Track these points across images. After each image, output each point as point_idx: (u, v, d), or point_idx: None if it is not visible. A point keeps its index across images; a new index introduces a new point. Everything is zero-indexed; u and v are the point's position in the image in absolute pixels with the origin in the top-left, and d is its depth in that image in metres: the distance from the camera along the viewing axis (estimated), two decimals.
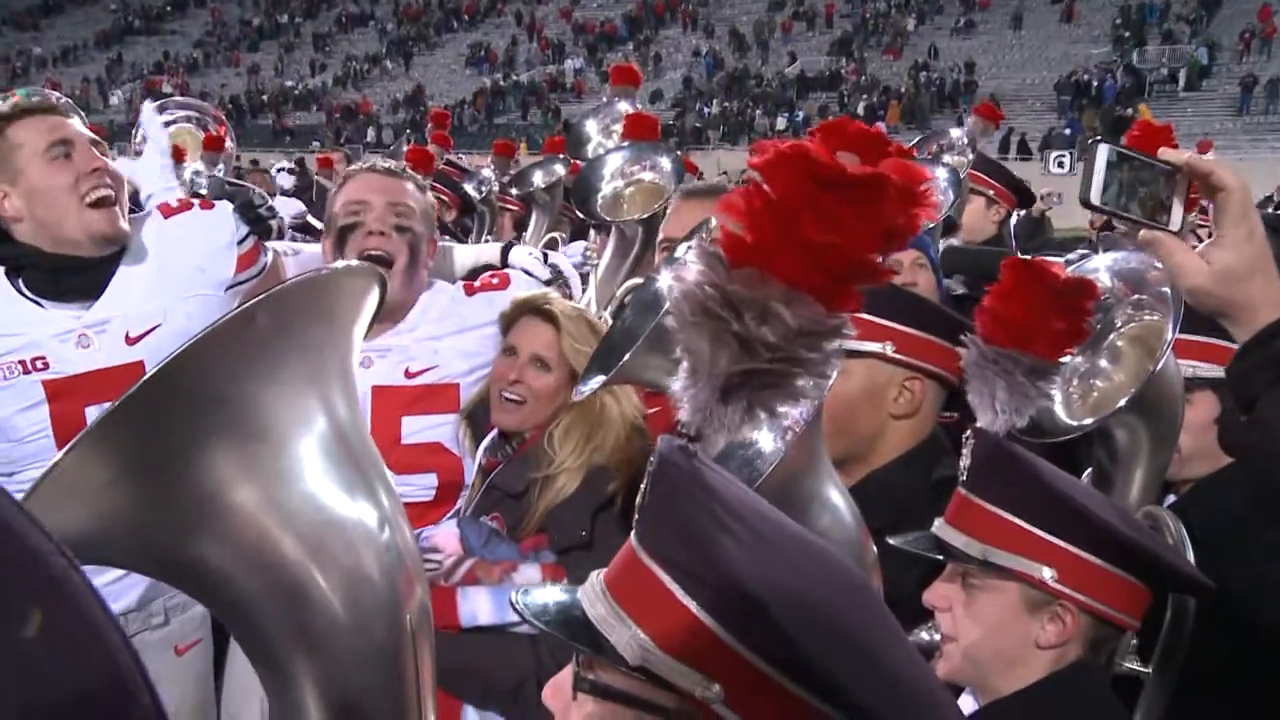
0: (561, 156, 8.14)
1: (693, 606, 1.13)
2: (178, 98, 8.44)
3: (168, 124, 8.15)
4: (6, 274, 2.92)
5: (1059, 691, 1.91)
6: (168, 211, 3.21)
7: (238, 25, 68.02)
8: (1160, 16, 46.79)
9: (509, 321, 3.04)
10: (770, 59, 52.57)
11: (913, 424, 2.76)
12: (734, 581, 1.11)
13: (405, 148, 7.81)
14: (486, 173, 8.78)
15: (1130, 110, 38.40)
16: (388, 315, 3.07)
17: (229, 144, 6.87)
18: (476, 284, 3.33)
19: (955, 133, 6.09)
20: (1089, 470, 2.76)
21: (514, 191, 8.35)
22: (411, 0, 65.80)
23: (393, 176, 3.17)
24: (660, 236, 3.28)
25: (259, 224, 3.27)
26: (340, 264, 1.24)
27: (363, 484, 1.14)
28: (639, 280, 3.10)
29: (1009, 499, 1.93)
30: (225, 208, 3.25)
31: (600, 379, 2.58)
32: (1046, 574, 1.88)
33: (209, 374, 1.04)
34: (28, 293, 2.92)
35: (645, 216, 5.02)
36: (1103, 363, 2.66)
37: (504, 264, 3.76)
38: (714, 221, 4.64)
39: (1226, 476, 2.66)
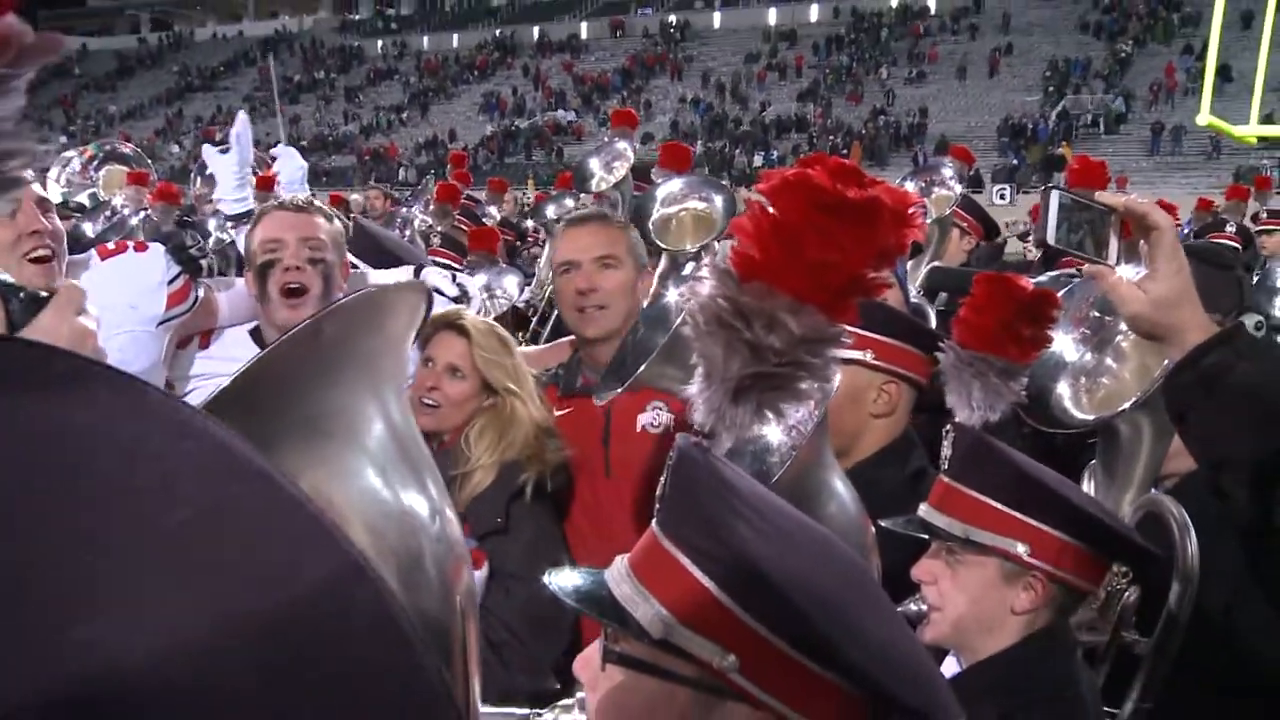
0: (571, 191, 8.17)
1: (710, 585, 1.12)
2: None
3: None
4: None
5: (1033, 651, 1.95)
6: (104, 254, 3.15)
7: (281, 81, 68.13)
8: (1083, 70, 47.14)
9: (426, 336, 3.04)
10: (747, 105, 52.71)
11: (889, 423, 2.83)
12: (747, 562, 1.11)
13: (433, 186, 7.81)
14: (492, 209, 8.84)
15: (1058, 150, 38.81)
16: None
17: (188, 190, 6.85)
18: None
19: (947, 171, 6.08)
20: (1091, 462, 2.77)
21: (529, 224, 8.38)
22: (431, 56, 65.92)
23: (303, 212, 3.12)
24: (563, 259, 3.21)
25: (190, 264, 3.19)
26: (392, 283, 1.21)
27: (415, 479, 1.12)
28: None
29: (987, 484, 1.96)
30: (157, 249, 3.17)
31: (617, 389, 2.57)
32: (1021, 549, 1.92)
33: (280, 379, 1.02)
34: None
35: (695, 248, 4.98)
36: (1109, 361, 2.67)
37: None
38: (716, 246, 4.62)
39: None
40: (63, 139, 54.29)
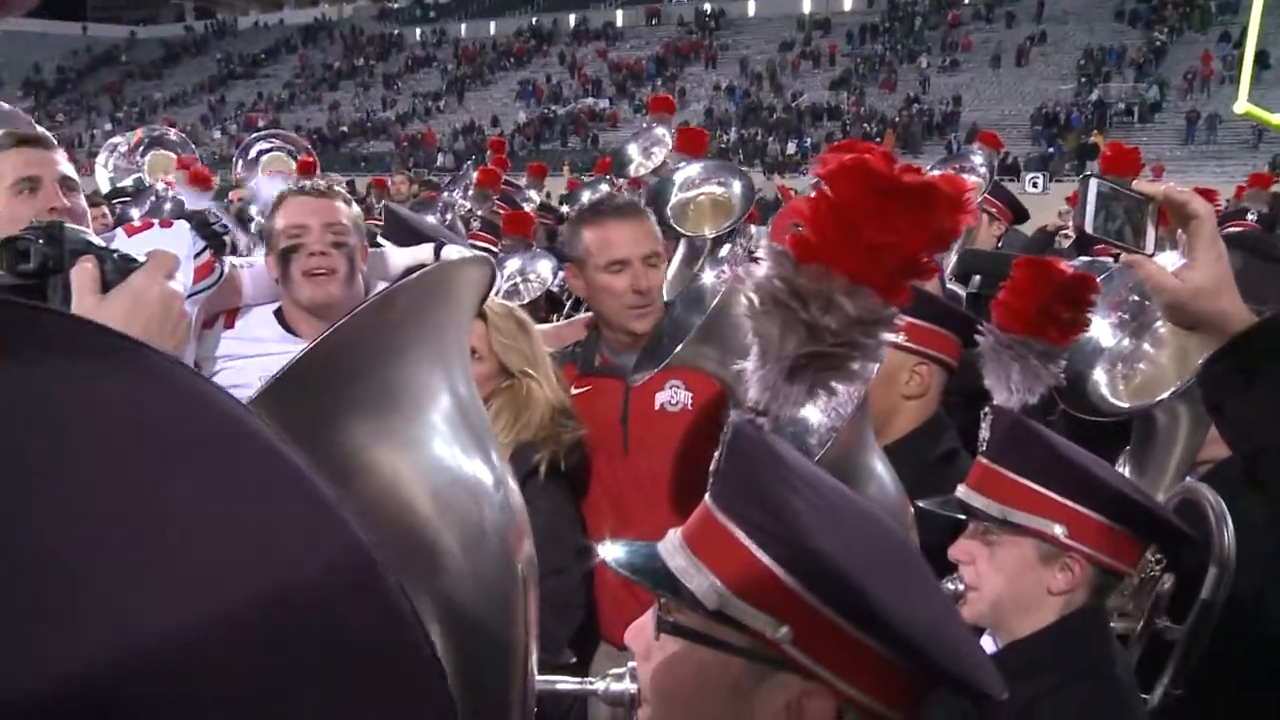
0: (607, 177, 8.16)
1: (764, 558, 1.13)
2: (274, 130, 8.51)
3: (264, 151, 8.22)
4: None
5: (1070, 631, 1.95)
6: (130, 231, 3.17)
7: (321, 68, 68.40)
8: (1118, 58, 46.56)
9: None
10: (781, 92, 52.44)
11: (921, 404, 2.83)
12: (802, 536, 1.12)
13: (473, 171, 7.84)
14: (532, 193, 8.83)
15: (1091, 139, 38.37)
16: (336, 318, 3.08)
17: (216, 181, 6.87)
18: None
19: (977, 159, 6.03)
20: (1126, 449, 2.75)
21: (565, 209, 8.39)
22: (469, 43, 66.00)
23: (325, 198, 3.13)
24: (610, 256, 3.10)
25: (214, 240, 3.24)
26: (459, 256, 1.23)
27: (479, 449, 1.13)
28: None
29: (1026, 466, 1.96)
30: (182, 225, 3.20)
31: (652, 370, 2.58)
32: (1058, 530, 1.92)
33: (352, 350, 1.03)
34: None
35: (715, 234, 4.96)
36: (1147, 347, 2.65)
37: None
38: (753, 229, 4.61)
39: None
40: (108, 126, 54.82)
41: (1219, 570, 2.17)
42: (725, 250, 2.80)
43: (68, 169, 2.99)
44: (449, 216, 6.75)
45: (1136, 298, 2.62)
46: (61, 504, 0.43)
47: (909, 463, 2.59)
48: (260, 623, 0.45)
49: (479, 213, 7.20)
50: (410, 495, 1.07)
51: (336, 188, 3.28)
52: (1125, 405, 2.63)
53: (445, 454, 1.10)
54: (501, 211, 7.40)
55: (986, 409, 2.10)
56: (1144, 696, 2.15)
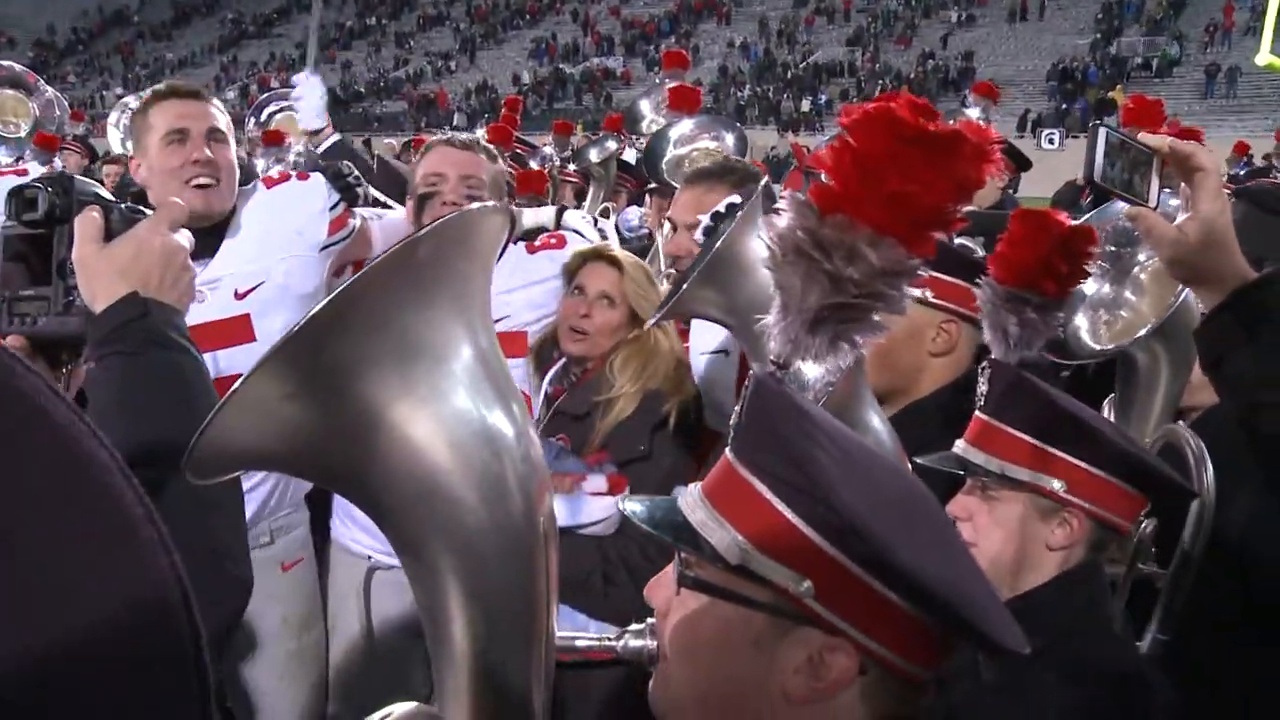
0: (615, 134, 8.11)
1: (786, 512, 1.12)
2: (284, 89, 8.49)
3: (274, 114, 8.18)
4: None
5: (1069, 587, 1.94)
6: (270, 183, 3.24)
7: (333, 27, 68.06)
8: (1136, 11, 45.97)
9: (576, 267, 3.06)
10: (795, 49, 52.00)
11: (949, 361, 2.78)
12: (825, 489, 1.10)
13: (480, 130, 7.79)
14: (548, 150, 8.75)
15: (1109, 94, 37.98)
16: None
17: (289, 139, 6.84)
18: (537, 243, 3.34)
19: (972, 112, 5.97)
20: (1111, 395, 2.74)
21: (572, 166, 8.34)
22: (481, 2, 65.56)
23: (467, 150, 3.17)
24: (669, 215, 3.22)
25: (348, 192, 3.28)
26: (478, 205, 1.22)
27: (501, 401, 1.12)
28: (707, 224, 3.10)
29: (1024, 421, 1.94)
30: (318, 179, 3.25)
31: (656, 315, 2.59)
32: (1057, 485, 1.90)
33: (377, 299, 1.02)
34: None
35: None
36: (1128, 294, 2.65)
37: (558, 226, 3.76)
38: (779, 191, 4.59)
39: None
40: (119, 90, 54.65)
41: (1197, 515, 2.19)
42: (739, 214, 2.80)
43: (218, 121, 3.05)
44: None
45: (1113, 247, 2.62)
46: None
47: (935, 420, 2.57)
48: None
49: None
50: (431, 448, 1.06)
51: (483, 142, 3.33)
52: (1107, 347, 2.63)
53: (467, 406, 1.09)
54: (513, 171, 7.35)
55: (984, 363, 2.07)
56: (1135, 645, 2.15)
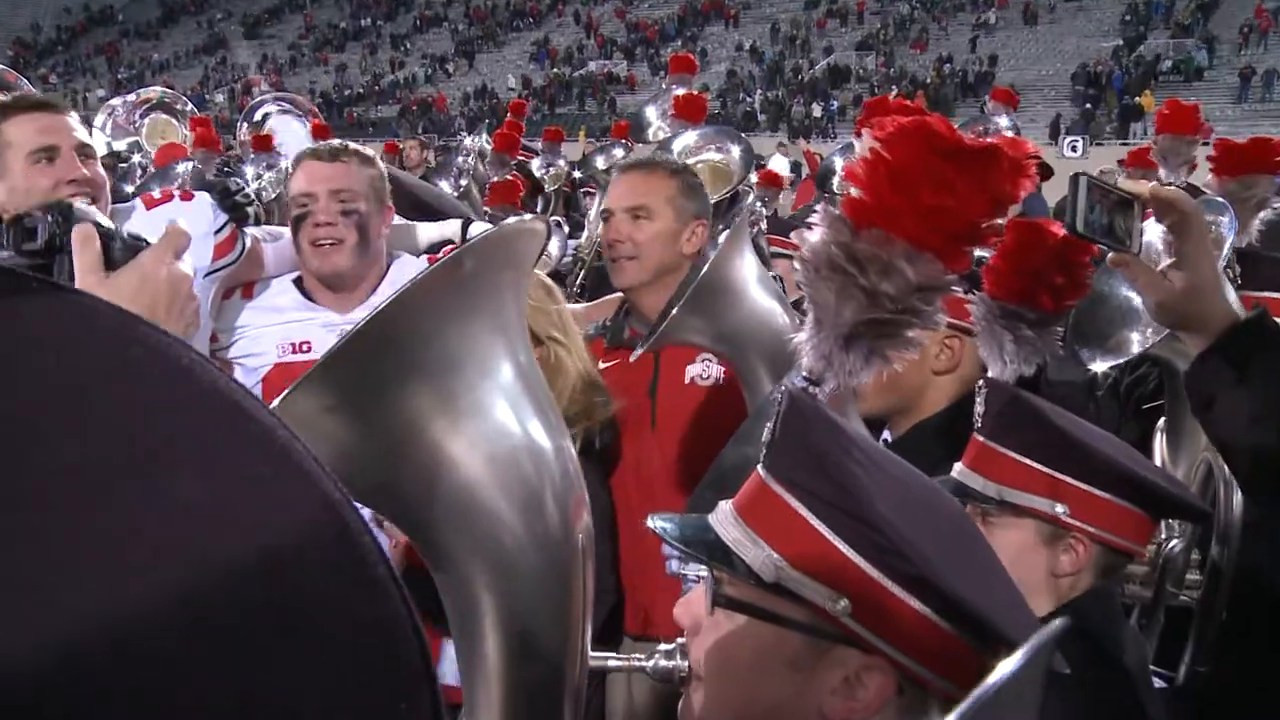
0: (622, 141, 8.15)
1: (823, 529, 1.14)
2: (279, 94, 8.49)
3: (270, 115, 8.20)
4: None
5: (1079, 614, 1.88)
6: (150, 203, 3.13)
7: (326, 28, 68.30)
8: (1164, 12, 45.98)
9: None
10: (807, 53, 52.10)
11: (953, 379, 2.75)
12: (863, 506, 1.13)
13: (485, 135, 7.81)
14: (561, 163, 8.78)
15: (1136, 99, 37.95)
16: (356, 291, 3.10)
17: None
18: (438, 257, 3.22)
19: (1002, 121, 5.99)
20: (1162, 420, 2.75)
21: (577, 175, 8.37)
22: (480, 3, 65.80)
23: (335, 161, 3.09)
24: (602, 206, 3.26)
25: (236, 211, 3.19)
26: (515, 219, 1.25)
27: (540, 416, 1.16)
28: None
29: (1022, 443, 1.91)
30: (204, 198, 3.15)
31: (645, 345, 2.60)
32: (1059, 510, 1.87)
33: (420, 314, 1.06)
34: None
35: (713, 200, 5.01)
36: None
37: (464, 239, 3.68)
38: (753, 200, 4.59)
39: None
40: (101, 92, 54.70)
41: (1222, 539, 2.15)
42: (722, 236, 2.80)
43: (83, 135, 2.97)
44: (464, 182, 6.73)
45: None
46: None
47: (941, 441, 2.58)
48: (220, 591, 0.42)
49: (494, 179, 7.21)
50: (470, 462, 1.09)
51: (354, 147, 3.24)
52: (1141, 349, 2.64)
53: (505, 420, 1.13)
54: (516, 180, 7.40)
55: (980, 382, 2.04)
56: (1172, 675, 2.14)
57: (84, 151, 2.91)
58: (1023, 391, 2.00)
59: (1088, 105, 40.52)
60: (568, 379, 2.87)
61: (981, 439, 1.99)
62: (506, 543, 1.12)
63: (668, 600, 1.38)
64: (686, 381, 3.08)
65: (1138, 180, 1.76)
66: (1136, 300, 2.62)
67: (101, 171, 2.98)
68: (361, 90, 59.20)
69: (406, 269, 3.19)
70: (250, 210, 3.36)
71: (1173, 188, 1.78)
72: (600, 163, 7.77)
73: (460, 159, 7.29)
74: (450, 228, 3.67)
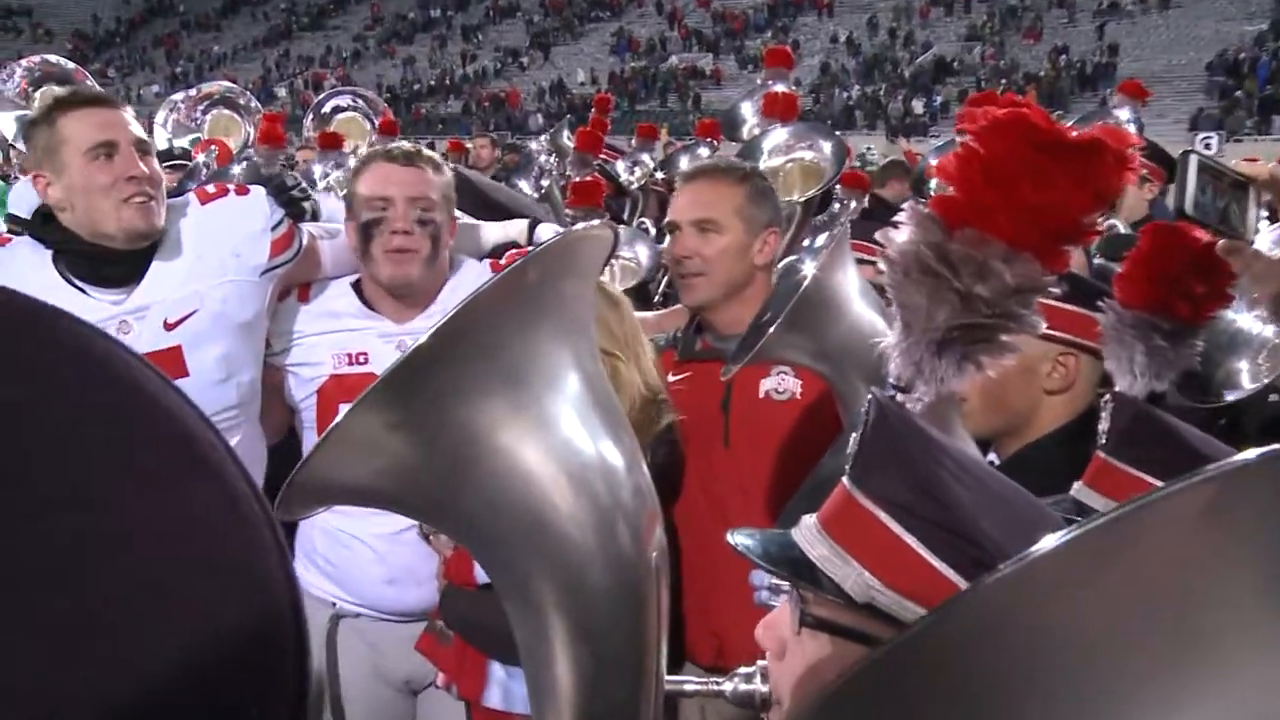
0: (710, 141, 8.17)
1: (917, 545, 1.14)
2: (349, 88, 8.63)
3: (339, 110, 8.35)
4: (54, 259, 2.98)
5: None
6: (204, 198, 3.20)
7: (394, 19, 69.46)
8: None
9: None
10: (908, 45, 51.72)
11: (1067, 399, 2.71)
12: (962, 522, 1.13)
13: (565, 132, 7.88)
14: (645, 157, 8.81)
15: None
16: (418, 300, 3.14)
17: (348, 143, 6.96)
18: (503, 261, 3.29)
19: (1121, 114, 5.90)
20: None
21: (660, 176, 8.41)
22: None
23: (412, 166, 3.12)
24: (667, 219, 3.25)
25: (293, 206, 3.27)
26: (582, 225, 1.29)
27: (610, 429, 1.19)
28: (789, 260, 3.11)
29: (1148, 461, 1.87)
30: (259, 193, 3.22)
31: (741, 362, 2.62)
32: None
33: (485, 324, 1.10)
34: (72, 279, 2.96)
35: (803, 199, 5.04)
36: None
37: (530, 241, 3.69)
38: (851, 203, 4.56)
39: None
40: (155, 88, 55.97)
41: None
42: (822, 239, 2.80)
43: (140, 130, 3.07)
44: (545, 183, 6.78)
45: None
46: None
47: (1054, 465, 2.55)
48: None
49: (576, 179, 7.26)
50: (539, 478, 1.13)
51: (425, 150, 3.28)
52: (1254, 386, 2.59)
53: (576, 434, 1.16)
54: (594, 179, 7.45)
55: (1106, 396, 2.02)
56: None
57: (141, 147, 3.01)
58: (1153, 407, 1.98)
59: (1223, 97, 39.55)
60: (625, 393, 2.87)
61: (1104, 456, 1.97)
62: (578, 561, 1.15)
63: (746, 629, 1.40)
64: (761, 396, 3.08)
65: (1256, 164, 1.73)
66: (1242, 322, 2.57)
67: (158, 167, 3.07)
68: (433, 84, 60.04)
69: (467, 277, 3.23)
70: (306, 206, 3.44)
71: None
72: (685, 164, 7.80)
73: (542, 158, 7.34)
74: (515, 228, 3.70)
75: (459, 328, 1.08)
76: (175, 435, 0.51)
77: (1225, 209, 1.69)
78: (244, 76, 57.86)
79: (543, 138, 7.65)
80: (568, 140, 8.05)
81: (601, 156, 8.32)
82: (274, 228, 3.15)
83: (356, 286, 3.25)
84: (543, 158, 7.19)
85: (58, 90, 3.09)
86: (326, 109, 7.82)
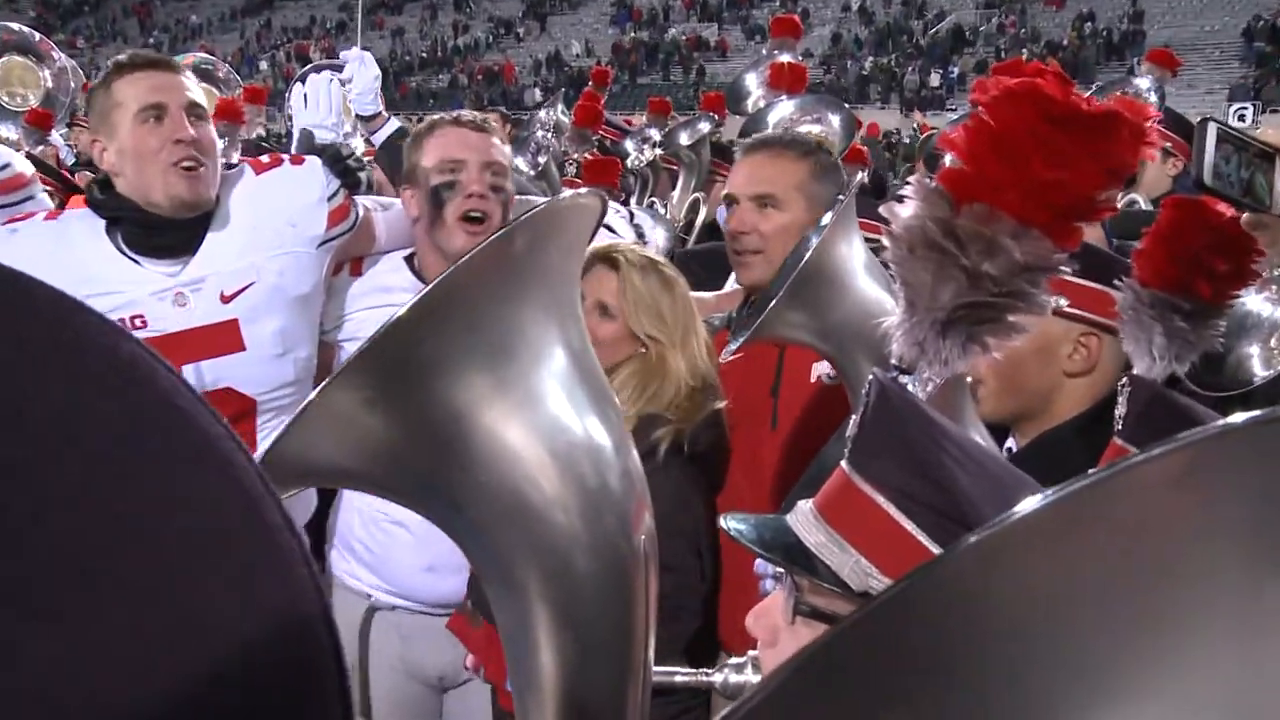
0: (710, 114, 8.14)
1: (917, 532, 1.16)
2: (332, 61, 8.60)
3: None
4: (107, 230, 3.01)
5: None
6: (259, 168, 3.25)
7: None
8: None
9: (583, 271, 3.07)
10: (923, 13, 51.59)
11: (1089, 381, 2.69)
12: (963, 508, 1.14)
13: (560, 107, 7.85)
14: (653, 133, 8.78)
15: None
16: None
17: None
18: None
19: (1141, 83, 5.88)
20: None
21: (659, 151, 8.39)
22: None
23: (483, 132, 3.16)
24: (725, 190, 3.26)
25: (348, 175, 3.28)
26: (571, 192, 1.29)
27: (597, 408, 1.20)
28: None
29: None
30: (315, 163, 3.25)
31: (740, 339, 2.62)
32: None
33: (469, 294, 1.10)
34: (126, 250, 3.00)
35: None
36: None
37: None
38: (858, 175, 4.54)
39: None
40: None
41: None
42: (828, 218, 2.79)
43: (197, 94, 3.11)
44: (542, 160, 6.76)
45: None
46: None
47: (1075, 451, 2.55)
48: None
49: (575, 156, 7.23)
50: (524, 458, 1.14)
51: (494, 122, 3.32)
52: (1266, 373, 2.59)
53: (563, 412, 1.17)
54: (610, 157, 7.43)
55: (1124, 379, 2.01)
56: None
57: (194, 111, 3.04)
58: (1171, 391, 1.98)
59: (1260, 65, 39.36)
60: (669, 380, 2.90)
61: (1120, 442, 1.97)
62: (563, 546, 1.16)
63: None
64: (812, 379, 3.08)
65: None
66: (1253, 305, 2.55)
67: (212, 133, 3.12)
68: (424, 56, 59.89)
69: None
70: (361, 176, 3.44)
71: None
72: (684, 138, 7.76)
73: (540, 133, 7.34)
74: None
75: (441, 298, 1.08)
76: (194, 438, 0.51)
77: (1250, 180, 1.69)
78: (222, 48, 57.70)
79: (541, 114, 7.65)
80: (563, 115, 8.04)
81: (602, 132, 8.31)
82: (330, 198, 3.20)
83: (409, 260, 3.29)
84: (540, 133, 7.18)
85: (120, 57, 3.16)
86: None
